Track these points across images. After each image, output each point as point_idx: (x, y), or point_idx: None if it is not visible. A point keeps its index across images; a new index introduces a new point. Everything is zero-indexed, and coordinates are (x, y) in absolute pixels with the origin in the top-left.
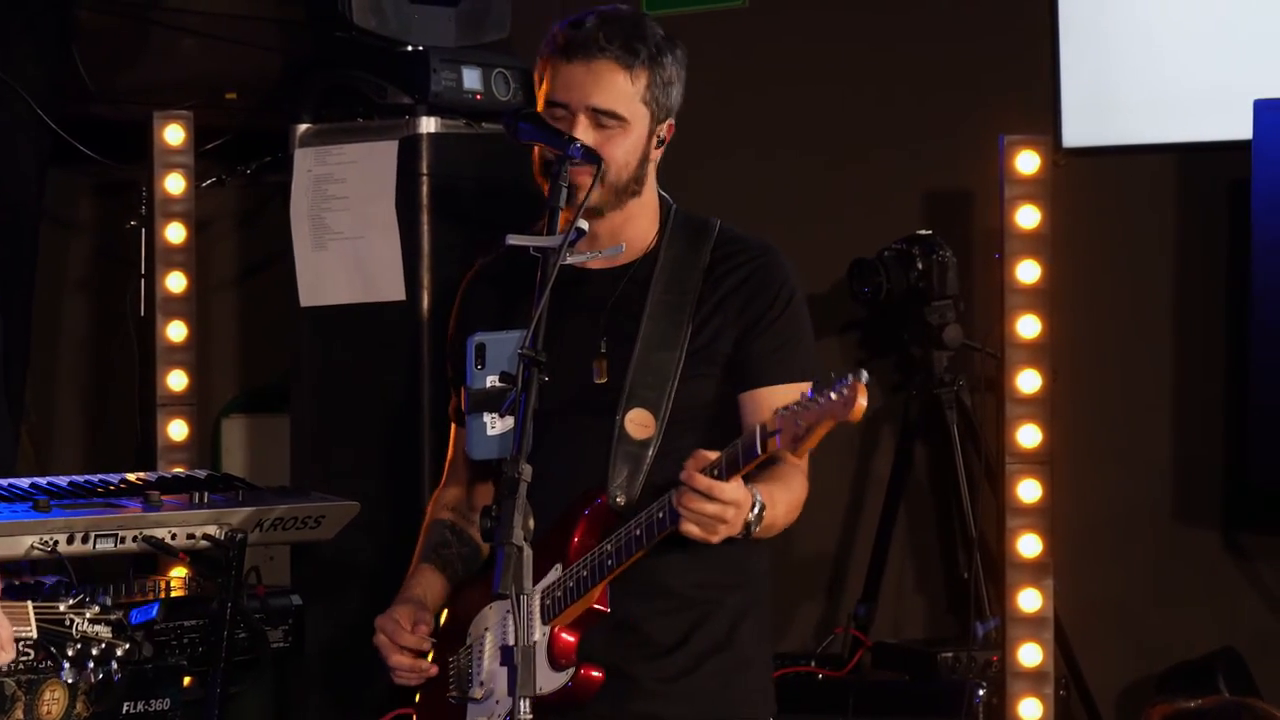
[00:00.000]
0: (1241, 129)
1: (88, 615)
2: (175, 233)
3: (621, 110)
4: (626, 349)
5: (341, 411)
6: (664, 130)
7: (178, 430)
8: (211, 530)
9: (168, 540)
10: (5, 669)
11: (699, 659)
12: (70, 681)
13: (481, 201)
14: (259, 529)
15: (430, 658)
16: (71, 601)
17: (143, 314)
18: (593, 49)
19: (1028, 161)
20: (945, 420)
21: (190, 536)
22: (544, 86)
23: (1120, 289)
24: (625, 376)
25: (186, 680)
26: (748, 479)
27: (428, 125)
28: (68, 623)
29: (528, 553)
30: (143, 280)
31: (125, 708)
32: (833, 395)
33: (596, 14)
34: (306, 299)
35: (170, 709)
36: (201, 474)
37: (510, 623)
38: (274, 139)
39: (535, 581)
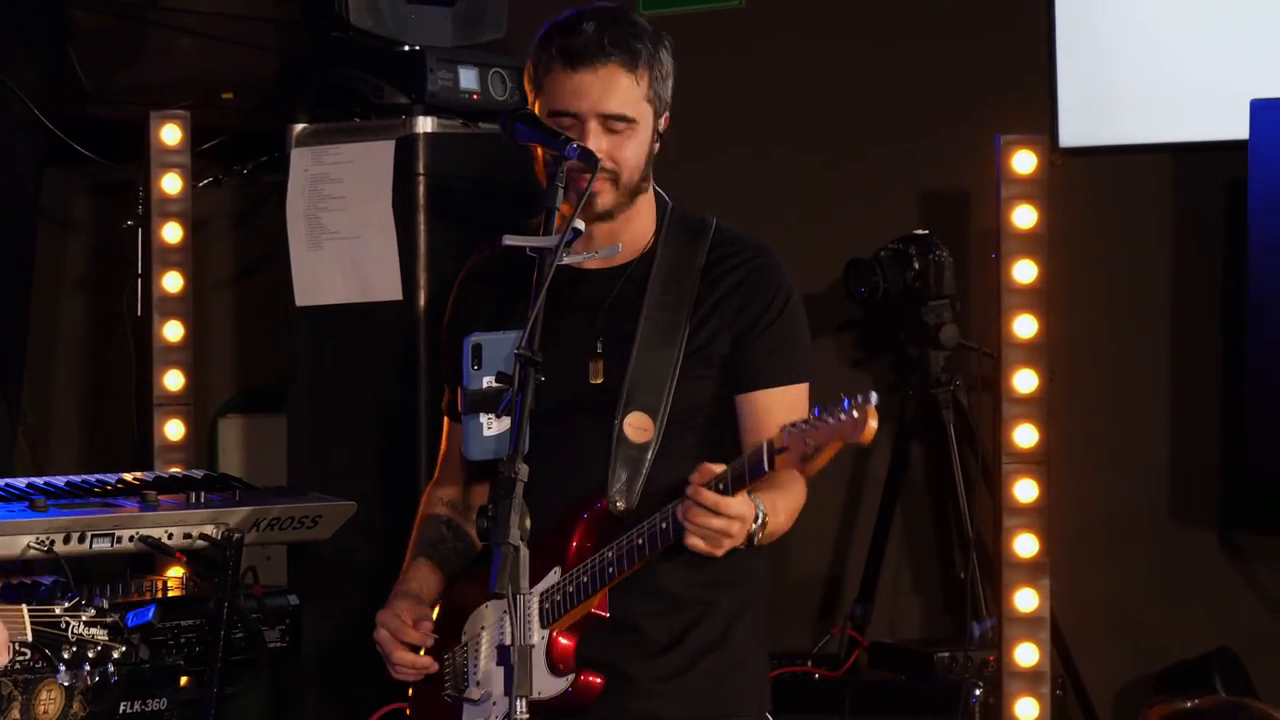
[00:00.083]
0: (1238, 129)
1: (84, 618)
2: (172, 232)
3: (630, 112)
4: (624, 350)
5: (338, 411)
6: (662, 124)
7: (174, 430)
8: (208, 530)
9: (164, 540)
10: (1, 670)
11: (694, 658)
12: (66, 684)
13: (478, 201)
14: (256, 529)
15: (422, 653)
16: (67, 604)
17: (139, 314)
18: (597, 55)
19: (1024, 161)
20: (942, 420)
21: (187, 536)
22: (544, 94)
23: (1117, 289)
24: (623, 378)
25: (183, 680)
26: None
27: (424, 125)
28: (63, 625)
29: (524, 552)
30: (139, 280)
31: (122, 708)
32: (843, 416)
33: (591, 17)
34: (302, 299)
35: (167, 709)
36: (198, 474)
37: (508, 623)
38: (270, 139)
39: (533, 583)
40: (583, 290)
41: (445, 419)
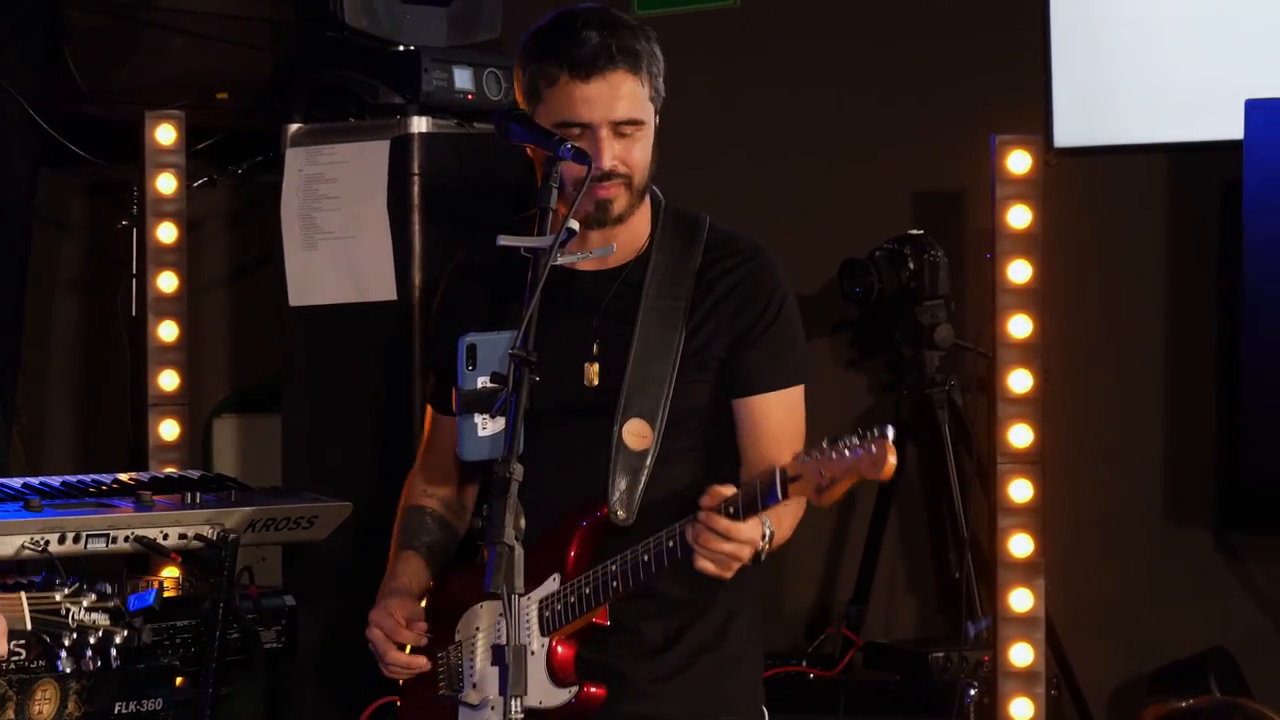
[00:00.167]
0: (1233, 129)
1: (84, 604)
2: (166, 232)
3: (638, 115)
4: (620, 354)
5: (333, 412)
6: (658, 119)
7: (169, 430)
8: (204, 531)
9: (159, 540)
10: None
11: (690, 658)
12: (68, 671)
13: (473, 201)
14: (251, 529)
15: (408, 649)
16: (67, 590)
17: (134, 314)
18: (606, 63)
19: (1019, 161)
20: (937, 420)
21: (182, 537)
22: (548, 104)
23: (1112, 289)
24: (621, 383)
25: (179, 680)
26: None
27: (419, 125)
28: (63, 612)
29: (519, 552)
30: (134, 280)
31: (117, 708)
32: (860, 451)
33: (589, 24)
34: (296, 299)
35: (163, 709)
36: (194, 474)
37: (504, 626)
38: (265, 139)
39: (531, 588)
40: (578, 292)
41: (429, 407)
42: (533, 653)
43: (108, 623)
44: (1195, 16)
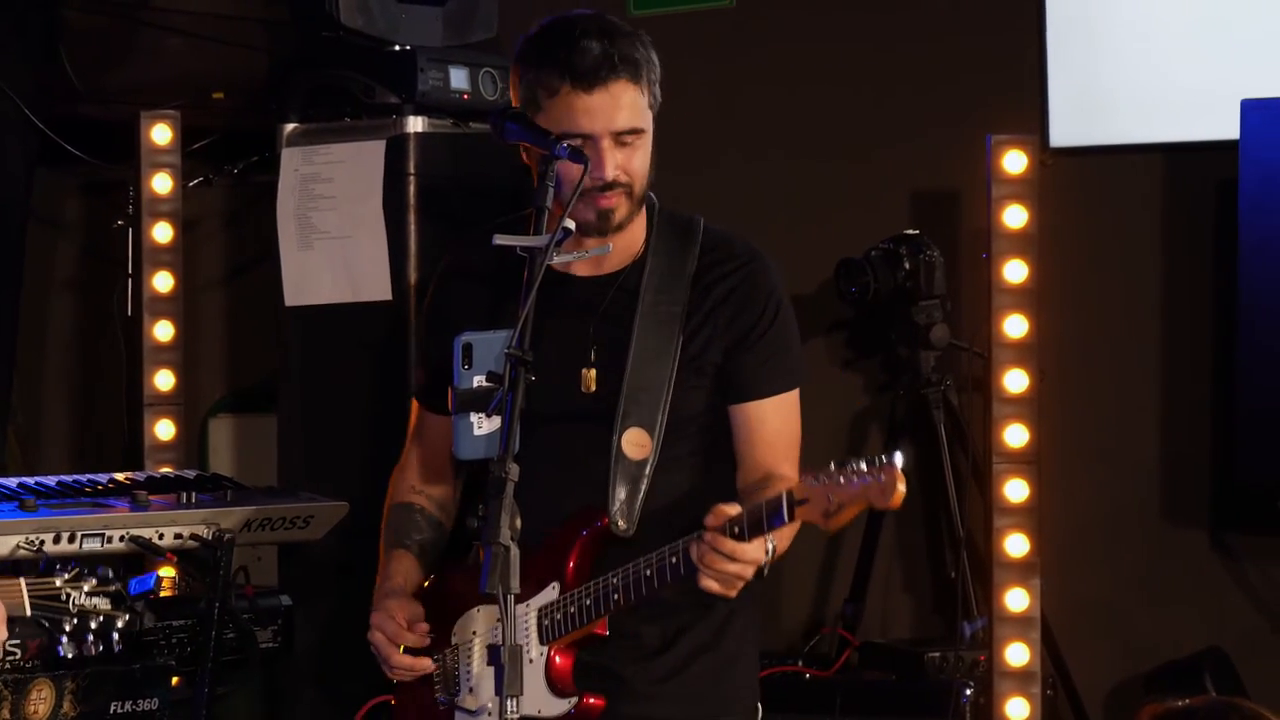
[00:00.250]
0: (1229, 129)
1: (85, 588)
2: (162, 232)
3: (639, 124)
4: (618, 361)
5: (328, 411)
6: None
7: (165, 430)
8: (199, 530)
9: (155, 540)
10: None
11: (688, 660)
12: (70, 657)
13: (468, 201)
14: (247, 529)
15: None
16: (68, 575)
17: (130, 314)
18: (608, 74)
19: (1015, 161)
20: (932, 420)
21: (178, 536)
22: (547, 114)
23: (1108, 289)
24: (619, 389)
25: (175, 680)
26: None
27: (415, 125)
28: (64, 597)
29: (514, 552)
30: (130, 280)
31: (113, 707)
32: (869, 478)
33: (588, 33)
34: (292, 298)
35: (158, 709)
36: (189, 474)
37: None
38: (261, 139)
39: (530, 595)
40: (574, 297)
41: (414, 402)
42: (530, 661)
43: (109, 607)
44: (1192, 16)
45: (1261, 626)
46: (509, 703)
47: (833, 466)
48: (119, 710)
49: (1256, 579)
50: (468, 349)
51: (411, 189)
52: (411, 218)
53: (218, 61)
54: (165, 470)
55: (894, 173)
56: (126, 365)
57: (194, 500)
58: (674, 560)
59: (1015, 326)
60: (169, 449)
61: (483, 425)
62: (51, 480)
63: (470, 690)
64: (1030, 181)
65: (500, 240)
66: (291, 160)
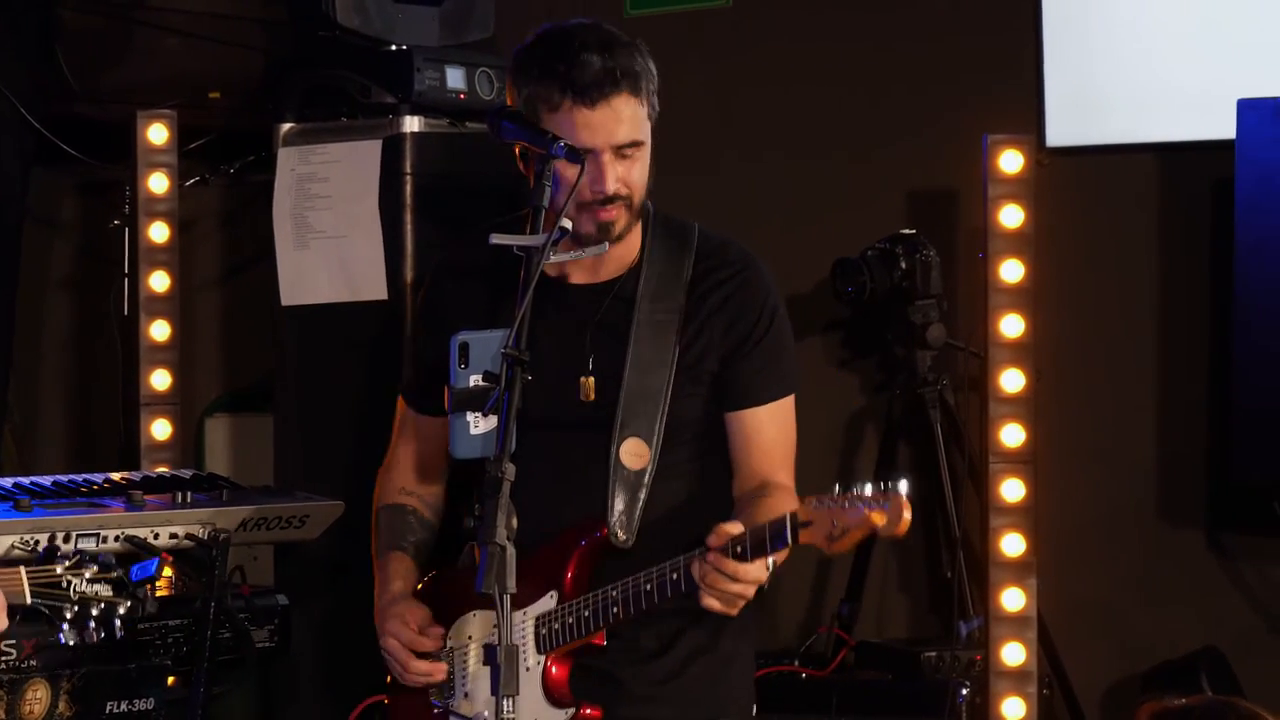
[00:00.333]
0: (1225, 128)
1: (86, 575)
2: (159, 232)
3: (640, 137)
4: (616, 370)
5: (325, 411)
6: None
7: (161, 430)
8: (195, 530)
9: (150, 540)
10: None
11: (685, 662)
12: (72, 644)
13: (465, 201)
14: (243, 529)
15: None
16: (68, 563)
17: (126, 313)
18: (610, 89)
19: (1011, 161)
20: (929, 420)
21: (173, 536)
22: (549, 126)
23: (1104, 288)
24: (617, 399)
25: (171, 680)
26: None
27: (411, 124)
28: (64, 585)
29: (511, 551)
30: (126, 279)
31: (109, 707)
32: (875, 505)
33: (587, 45)
34: (288, 298)
35: (154, 709)
36: (186, 474)
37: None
38: (257, 138)
39: (527, 603)
40: (571, 305)
41: (400, 399)
42: (527, 669)
43: (110, 594)
44: (1188, 16)
45: (1257, 626)
46: (505, 703)
47: (837, 490)
48: (115, 710)
49: (1252, 579)
50: (464, 348)
51: (408, 189)
52: (408, 217)
53: (214, 61)
54: (161, 470)
55: (890, 172)
56: (123, 365)
57: (190, 500)
58: (675, 576)
59: (1011, 326)
60: (165, 449)
61: (479, 425)
62: (47, 480)
63: (465, 695)
64: (1026, 181)
65: (497, 239)
66: (288, 160)
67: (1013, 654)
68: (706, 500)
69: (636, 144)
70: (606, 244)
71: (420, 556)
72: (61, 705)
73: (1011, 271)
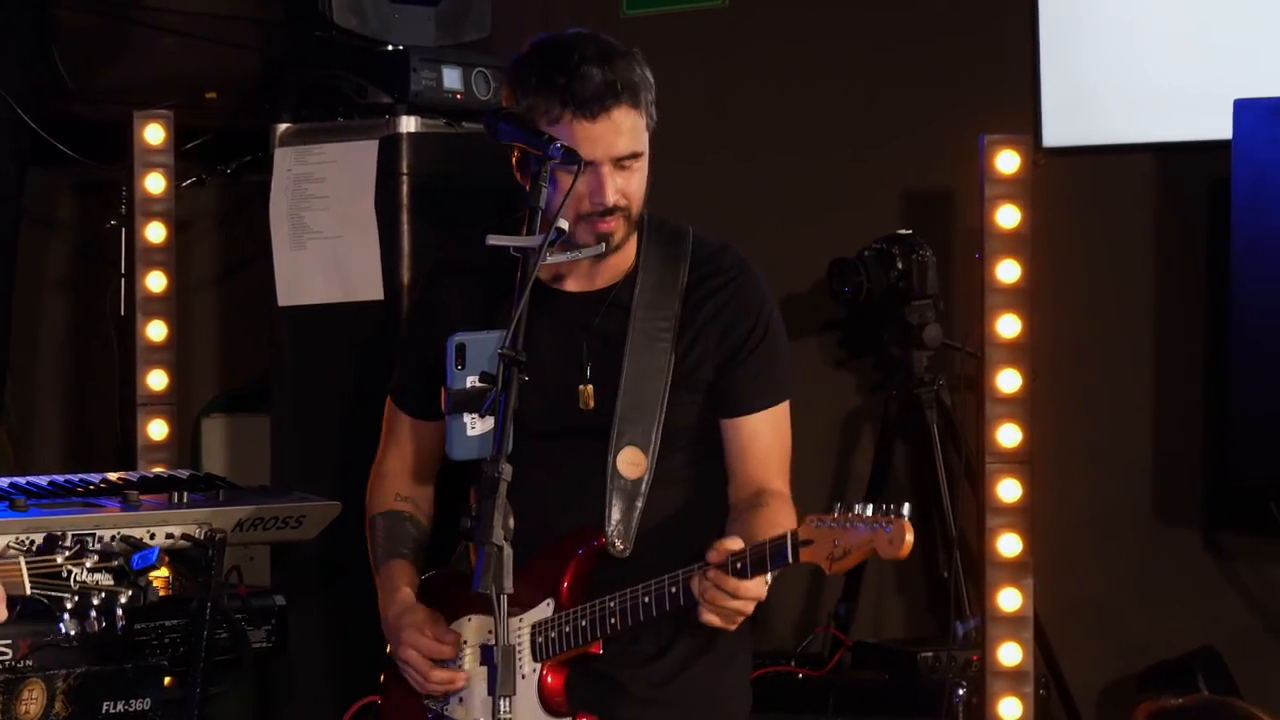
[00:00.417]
0: (1222, 129)
1: (86, 565)
2: (155, 232)
3: (639, 147)
4: (612, 378)
5: (321, 411)
6: None
7: (158, 430)
8: (191, 530)
9: (146, 540)
10: None
11: (684, 664)
12: (72, 634)
13: (461, 201)
14: (239, 529)
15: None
16: (68, 553)
17: (123, 313)
18: (609, 100)
19: (1008, 161)
20: (925, 420)
21: (169, 536)
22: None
23: (1100, 288)
24: (613, 407)
25: (167, 680)
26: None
27: (408, 125)
28: (65, 574)
29: (508, 552)
30: (123, 280)
31: (105, 707)
32: (877, 527)
33: (586, 57)
34: (284, 298)
35: (151, 709)
36: (182, 474)
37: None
38: (254, 138)
39: (524, 610)
40: (567, 313)
41: (389, 399)
42: (523, 676)
43: (111, 583)
44: (1184, 16)
45: (1254, 626)
46: (501, 703)
47: (839, 510)
48: (111, 710)
49: (1249, 578)
50: (461, 349)
51: (404, 189)
52: (404, 218)
53: (211, 61)
54: (158, 470)
55: (887, 172)
56: (119, 365)
57: (186, 500)
58: (674, 590)
59: (1008, 326)
60: (162, 449)
61: (476, 426)
62: (43, 480)
63: (460, 700)
64: (1023, 181)
65: (494, 240)
66: (284, 160)
67: (1009, 654)
68: (703, 506)
69: (636, 155)
70: (603, 245)
71: (418, 562)
72: (57, 705)
73: (1008, 272)
